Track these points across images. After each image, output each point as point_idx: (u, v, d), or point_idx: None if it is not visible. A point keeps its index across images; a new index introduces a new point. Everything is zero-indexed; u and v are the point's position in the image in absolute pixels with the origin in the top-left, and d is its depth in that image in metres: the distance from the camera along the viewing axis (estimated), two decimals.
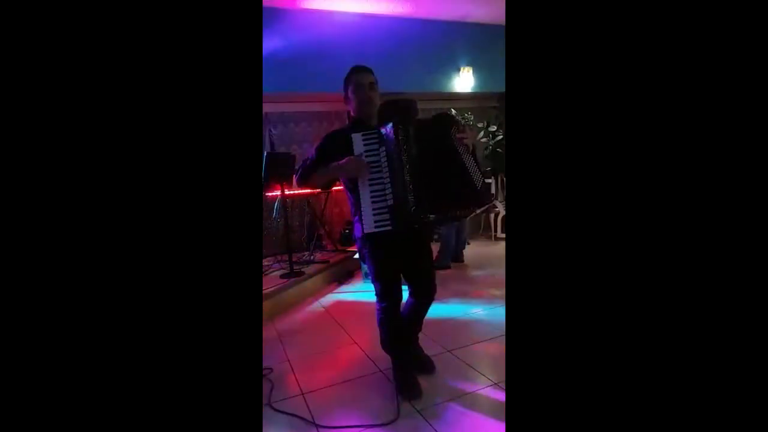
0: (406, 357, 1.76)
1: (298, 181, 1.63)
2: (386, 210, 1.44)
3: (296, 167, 1.67)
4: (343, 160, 1.47)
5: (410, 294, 1.78)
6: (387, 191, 1.44)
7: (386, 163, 1.44)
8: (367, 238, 1.55)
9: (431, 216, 1.47)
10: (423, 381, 1.75)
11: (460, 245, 3.96)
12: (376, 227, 1.43)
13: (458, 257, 3.93)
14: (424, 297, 1.76)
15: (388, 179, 1.44)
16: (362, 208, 1.45)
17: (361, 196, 1.45)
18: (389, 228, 1.43)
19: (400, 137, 1.43)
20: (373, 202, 1.45)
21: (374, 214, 1.44)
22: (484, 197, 1.58)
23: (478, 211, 1.73)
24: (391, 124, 1.45)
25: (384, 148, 1.45)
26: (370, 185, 1.45)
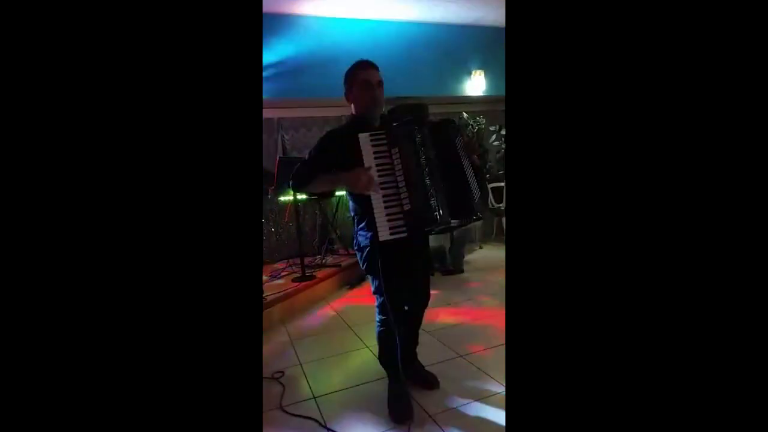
0: (403, 375, 1.62)
1: (294, 186, 1.47)
2: (400, 216, 1.32)
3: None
4: (352, 173, 1.31)
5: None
6: (402, 196, 1.32)
7: (400, 166, 1.33)
8: (376, 249, 1.44)
9: (453, 222, 1.39)
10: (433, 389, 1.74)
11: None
12: (391, 234, 1.31)
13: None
14: (421, 307, 1.70)
15: (403, 183, 1.32)
16: (375, 215, 1.32)
17: (373, 203, 1.32)
18: (404, 235, 1.31)
19: (417, 139, 1.35)
20: (386, 207, 1.32)
21: (388, 221, 1.31)
22: (478, 211, 1.47)
23: (465, 226, 1.64)
24: (405, 124, 1.36)
25: (397, 150, 1.33)
26: (382, 189, 1.33)
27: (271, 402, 1.76)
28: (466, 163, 1.43)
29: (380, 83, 1.46)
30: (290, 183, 1.48)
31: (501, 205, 4.86)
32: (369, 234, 1.44)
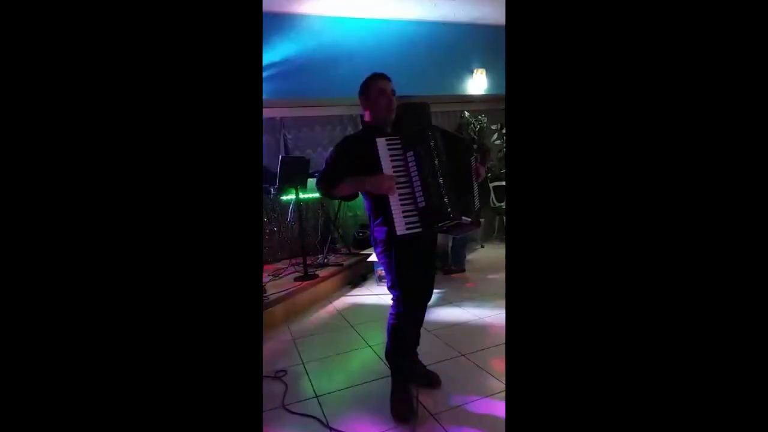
0: (407, 372, 1.70)
1: (321, 189, 1.61)
2: (415, 213, 1.45)
3: (316, 173, 1.63)
4: (375, 177, 1.47)
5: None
6: (417, 194, 1.45)
7: (415, 167, 1.46)
8: (392, 244, 1.53)
9: (464, 218, 1.50)
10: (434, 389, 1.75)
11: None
12: (407, 229, 1.44)
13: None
14: (425, 303, 1.77)
15: (418, 182, 1.45)
16: (392, 212, 1.45)
17: (390, 200, 1.45)
18: (419, 230, 1.45)
19: (431, 143, 1.48)
20: (402, 205, 1.46)
21: (404, 217, 1.45)
22: (478, 218, 1.65)
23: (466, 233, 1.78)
24: (420, 130, 1.49)
25: (412, 153, 1.46)
26: (398, 189, 1.46)
27: (274, 401, 1.77)
28: (474, 179, 1.63)
29: (393, 92, 1.60)
30: (317, 188, 1.63)
31: (502, 204, 4.86)
32: (385, 229, 1.54)
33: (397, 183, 1.45)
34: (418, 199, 1.45)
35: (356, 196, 1.70)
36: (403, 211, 1.45)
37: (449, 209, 1.44)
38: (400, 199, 1.45)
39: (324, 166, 1.61)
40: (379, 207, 1.54)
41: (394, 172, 1.45)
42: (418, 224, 1.44)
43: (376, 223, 1.60)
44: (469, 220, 1.54)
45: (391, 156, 1.46)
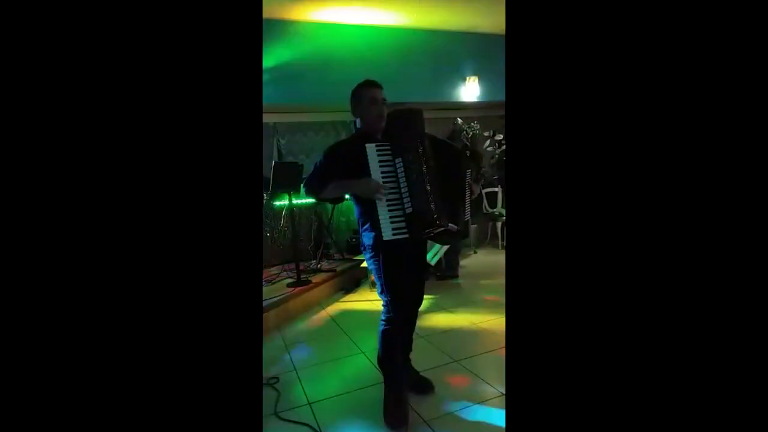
0: (400, 379, 1.69)
1: (308, 191, 1.62)
2: (402, 218, 1.46)
3: (305, 177, 1.65)
4: (362, 180, 1.48)
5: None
6: (405, 200, 1.46)
7: (403, 173, 1.47)
8: (379, 249, 1.54)
9: (451, 225, 1.50)
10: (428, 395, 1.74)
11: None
12: (393, 234, 1.45)
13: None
14: (416, 308, 1.77)
15: (406, 188, 1.46)
16: (379, 217, 1.46)
17: (378, 205, 1.46)
18: (406, 235, 1.45)
19: (420, 149, 1.50)
20: (389, 210, 1.47)
21: (391, 222, 1.46)
22: (466, 229, 1.67)
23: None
24: (410, 137, 1.51)
25: (400, 159, 1.47)
26: (386, 194, 1.47)
27: (266, 408, 1.75)
28: (468, 190, 1.65)
29: (384, 100, 1.61)
30: (305, 190, 1.62)
31: (495, 210, 4.88)
32: (373, 234, 1.55)
33: (386, 189, 1.46)
34: (406, 205, 1.45)
35: (342, 198, 1.70)
36: (390, 217, 1.46)
37: (435, 215, 1.44)
38: (388, 205, 1.46)
39: (313, 169, 1.61)
40: (367, 212, 1.55)
41: (382, 177, 1.46)
42: (404, 230, 1.45)
43: (364, 228, 1.61)
44: (456, 227, 1.54)
45: (380, 162, 1.48)
